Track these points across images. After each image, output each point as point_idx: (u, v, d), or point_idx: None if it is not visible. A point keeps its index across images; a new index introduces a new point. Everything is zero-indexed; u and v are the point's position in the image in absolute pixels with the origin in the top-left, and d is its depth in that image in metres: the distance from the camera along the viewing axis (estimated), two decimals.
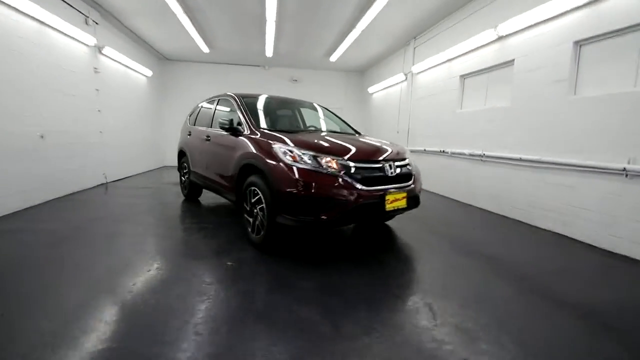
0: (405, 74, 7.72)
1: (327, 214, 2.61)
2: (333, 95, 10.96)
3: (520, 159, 4.35)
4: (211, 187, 4.16)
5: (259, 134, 3.23)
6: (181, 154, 5.38)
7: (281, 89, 10.27)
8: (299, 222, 2.64)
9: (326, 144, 2.87)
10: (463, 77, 5.75)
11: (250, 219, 3.13)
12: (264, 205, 2.87)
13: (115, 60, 6.78)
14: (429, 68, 6.72)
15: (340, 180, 2.64)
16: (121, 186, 6.37)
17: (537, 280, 2.60)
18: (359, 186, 2.68)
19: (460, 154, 5.62)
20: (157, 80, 9.46)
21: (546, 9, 3.89)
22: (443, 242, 3.51)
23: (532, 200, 4.20)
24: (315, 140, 2.95)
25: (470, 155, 5.34)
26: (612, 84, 3.39)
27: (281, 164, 2.71)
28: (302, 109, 4.48)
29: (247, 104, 3.76)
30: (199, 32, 7.03)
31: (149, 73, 8.53)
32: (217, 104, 4.40)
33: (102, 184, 6.35)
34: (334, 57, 8.77)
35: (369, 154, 2.94)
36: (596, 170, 3.43)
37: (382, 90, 9.32)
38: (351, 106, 11.03)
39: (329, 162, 2.68)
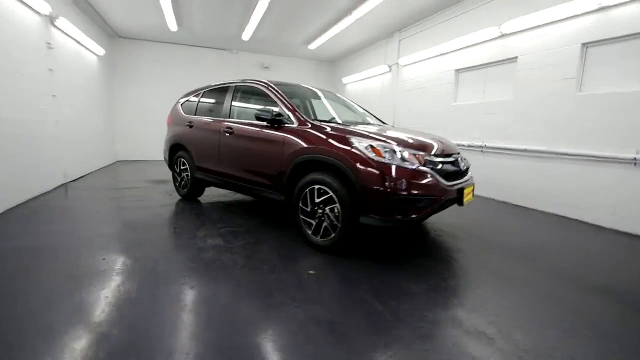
0: (390, 66, 7.80)
1: (417, 212, 2.50)
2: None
3: (526, 150, 4.72)
4: (235, 185, 3.70)
5: (311, 126, 2.95)
6: (175, 149, 4.70)
7: (250, 75, 9.61)
8: (387, 222, 2.48)
9: (405, 138, 2.72)
10: (458, 71, 6.00)
11: (313, 221, 2.85)
12: (337, 205, 2.63)
13: (67, 35, 5.57)
14: (419, 61, 6.87)
15: (429, 176, 2.54)
16: (87, 187, 5.35)
17: (564, 261, 2.86)
18: (444, 182, 2.62)
19: (457, 145, 5.89)
20: (107, 60, 8.09)
21: (555, 12, 4.21)
22: (479, 231, 3.66)
23: (541, 188, 4.60)
24: (388, 134, 2.78)
25: (469, 146, 5.64)
26: (618, 83, 3.82)
27: (364, 160, 2.50)
28: (329, 99, 4.18)
29: (286, 92, 3.39)
30: (173, 7, 6.13)
31: (101, 52, 7.24)
32: (235, 93, 3.90)
33: (62, 185, 5.26)
34: (313, 45, 8.46)
35: (443, 148, 2.88)
36: (605, 159, 3.87)
37: (359, 81, 9.31)
38: None
39: (415, 158, 2.56)
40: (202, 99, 4.43)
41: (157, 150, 9.26)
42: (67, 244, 2.82)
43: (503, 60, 5.13)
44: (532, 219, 4.23)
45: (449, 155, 2.87)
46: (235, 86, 3.93)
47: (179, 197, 4.73)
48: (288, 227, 3.55)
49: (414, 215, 2.50)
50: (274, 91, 3.41)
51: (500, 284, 2.40)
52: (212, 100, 4.29)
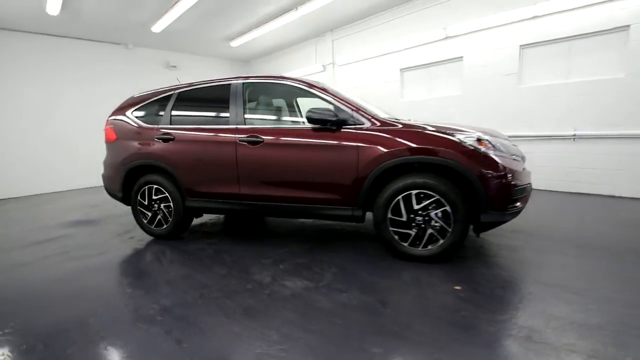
0: (324, 66, 7.75)
1: (523, 201, 2.53)
2: None
3: None
4: (272, 208, 2.94)
5: (381, 124, 2.61)
6: (136, 173, 3.39)
7: (151, 76, 7.91)
8: (506, 216, 2.41)
9: (484, 129, 2.70)
10: (403, 70, 6.44)
11: (410, 231, 2.52)
12: (446, 208, 2.40)
13: None
14: (360, 60, 7.05)
15: (523, 164, 2.60)
16: None
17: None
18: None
19: None
20: None
21: (498, 18, 5.00)
22: None
23: None
24: (463, 126, 2.70)
25: None
26: (549, 77, 4.83)
27: (480, 155, 2.36)
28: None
29: (327, 89, 2.88)
30: None
31: None
32: (246, 93, 3.08)
33: None
34: (237, 42, 7.59)
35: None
36: (550, 138, 4.85)
37: None
38: None
39: (507, 147, 2.57)
40: (179, 104, 3.33)
41: (41, 179, 6.55)
42: None
43: (450, 59, 5.78)
44: None
45: None
46: (245, 84, 3.10)
47: (146, 239, 3.45)
48: (347, 241, 3.11)
49: (520, 205, 2.51)
50: (317, 89, 2.85)
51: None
52: (202, 104, 3.31)
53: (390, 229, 2.58)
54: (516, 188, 2.40)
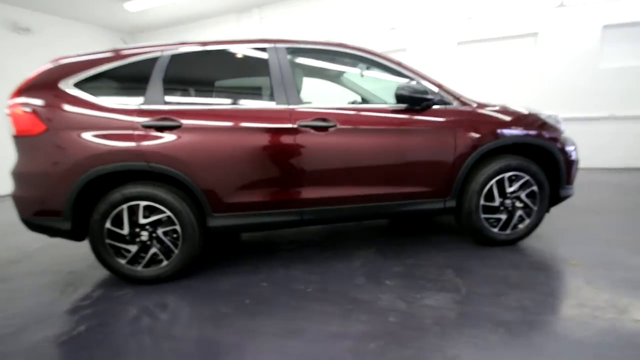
0: None
1: None
2: None
3: None
4: (346, 213, 2.30)
5: (462, 103, 2.43)
6: (100, 185, 2.07)
7: None
8: (572, 190, 2.60)
9: None
10: None
11: (501, 215, 2.43)
12: (534, 187, 2.42)
13: None
14: None
15: None
16: None
17: None
18: None
19: None
20: None
21: (438, 16, 5.47)
22: None
23: None
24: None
25: None
26: (479, 69, 5.64)
27: (559, 132, 2.47)
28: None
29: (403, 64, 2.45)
30: None
31: None
32: (295, 61, 2.35)
33: None
34: (135, 6, 5.74)
35: None
36: None
37: None
38: None
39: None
40: (175, 74, 2.19)
41: None
42: None
43: (394, 50, 5.98)
44: None
45: None
46: (289, 50, 2.28)
47: (121, 289, 2.18)
48: (408, 236, 2.73)
49: None
50: (394, 62, 2.38)
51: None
52: (220, 76, 2.30)
53: (482, 216, 2.42)
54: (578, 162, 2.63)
